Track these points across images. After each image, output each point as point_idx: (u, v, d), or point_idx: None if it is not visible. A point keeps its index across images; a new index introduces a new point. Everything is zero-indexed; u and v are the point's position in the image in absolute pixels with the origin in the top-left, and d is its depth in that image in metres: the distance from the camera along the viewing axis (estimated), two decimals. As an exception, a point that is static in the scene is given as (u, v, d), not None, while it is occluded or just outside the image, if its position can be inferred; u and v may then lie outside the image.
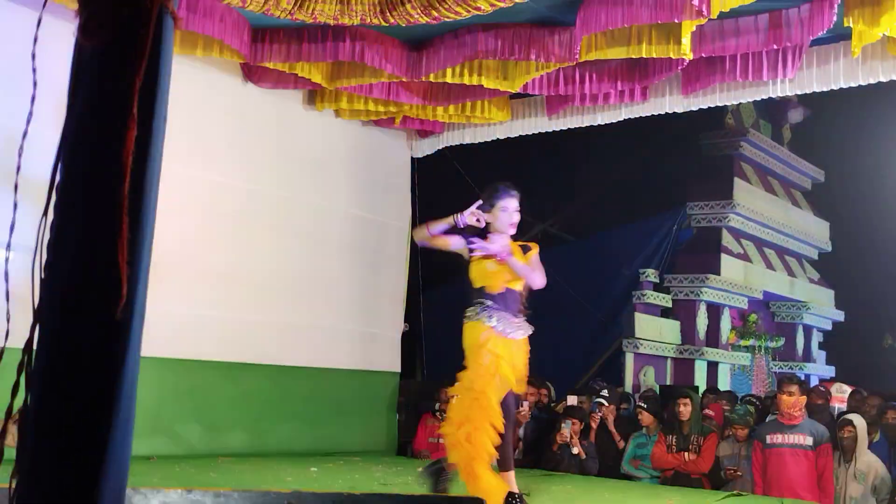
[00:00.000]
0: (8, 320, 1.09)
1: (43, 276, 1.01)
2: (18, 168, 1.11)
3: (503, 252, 4.62)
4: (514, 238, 4.83)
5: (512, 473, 4.64)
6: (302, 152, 8.10)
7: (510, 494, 4.54)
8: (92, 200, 1.01)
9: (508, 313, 4.60)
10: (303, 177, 8.09)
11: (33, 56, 1.14)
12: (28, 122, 1.10)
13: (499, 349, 4.51)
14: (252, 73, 7.44)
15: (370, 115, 8.23)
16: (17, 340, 1.07)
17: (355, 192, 8.60)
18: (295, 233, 7.95)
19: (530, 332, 4.73)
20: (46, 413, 0.96)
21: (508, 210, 4.71)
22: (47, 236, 1.02)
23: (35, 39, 1.15)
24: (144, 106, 1.05)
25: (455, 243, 4.73)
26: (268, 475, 5.89)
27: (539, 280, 4.74)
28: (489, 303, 4.58)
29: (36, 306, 1.02)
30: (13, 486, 0.97)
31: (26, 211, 1.20)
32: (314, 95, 8.02)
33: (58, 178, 1.02)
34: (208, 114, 7.23)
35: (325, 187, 8.29)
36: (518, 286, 4.70)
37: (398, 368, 8.97)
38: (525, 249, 4.77)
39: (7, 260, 1.08)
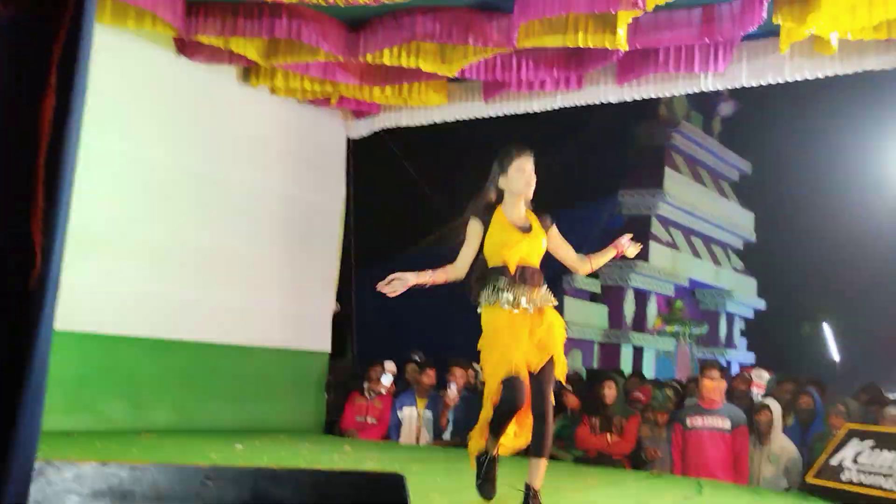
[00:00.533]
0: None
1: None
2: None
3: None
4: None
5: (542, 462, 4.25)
6: (235, 129, 8.01)
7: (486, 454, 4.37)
8: (6, 170, 1.00)
9: (527, 286, 4.17)
10: (236, 154, 8.00)
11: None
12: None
13: (520, 330, 4.13)
14: (185, 47, 7.30)
15: (306, 93, 8.17)
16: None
17: (289, 170, 8.54)
18: (226, 210, 7.87)
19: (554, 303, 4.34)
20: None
21: (524, 170, 4.29)
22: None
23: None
24: (63, 76, 1.04)
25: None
26: (191, 451, 5.85)
27: (580, 263, 4.56)
28: (507, 279, 4.15)
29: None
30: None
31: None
32: (249, 72, 7.92)
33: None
34: (140, 88, 7.10)
35: (258, 165, 8.21)
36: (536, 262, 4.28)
37: (328, 348, 8.97)
38: (544, 223, 4.35)
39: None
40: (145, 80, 7.17)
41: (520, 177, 4.27)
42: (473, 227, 4.29)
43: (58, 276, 1.04)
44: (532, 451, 4.26)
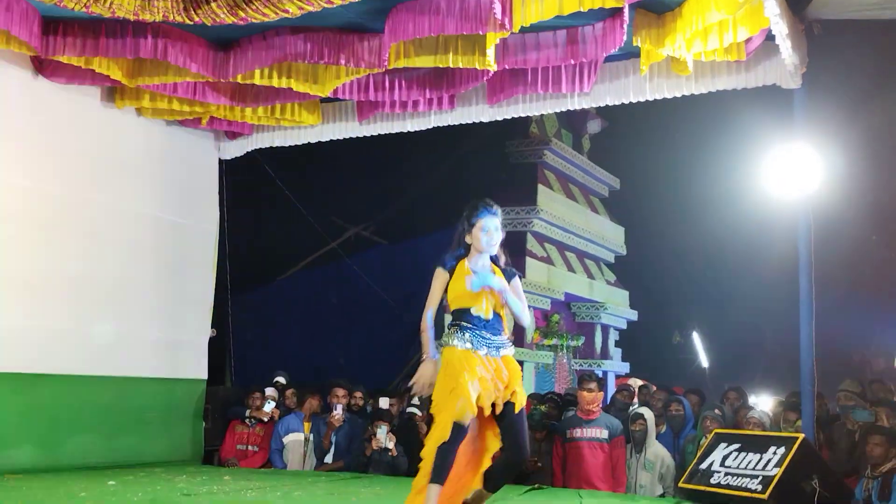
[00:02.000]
0: None
1: None
2: None
3: (503, 289, 4.39)
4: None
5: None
6: (101, 152, 7.71)
7: None
8: None
9: (489, 332, 4.38)
10: (103, 178, 7.70)
11: None
12: None
13: (479, 372, 4.28)
14: (44, 66, 7.00)
15: (175, 114, 7.96)
16: None
17: (159, 194, 8.28)
18: (93, 236, 7.55)
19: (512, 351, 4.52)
20: None
21: (488, 229, 4.45)
22: None
23: None
24: None
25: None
26: (60, 491, 5.57)
27: (528, 317, 4.62)
28: (468, 325, 4.36)
29: None
30: None
31: None
32: (114, 92, 7.66)
33: None
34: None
35: (127, 189, 7.93)
36: (501, 310, 4.48)
37: (205, 375, 8.70)
38: (509, 276, 4.52)
39: None
40: (4, 104, 6.83)
41: (481, 235, 4.45)
42: (439, 275, 4.50)
43: None
44: (491, 486, 4.39)
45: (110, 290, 7.65)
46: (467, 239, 4.52)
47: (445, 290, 4.47)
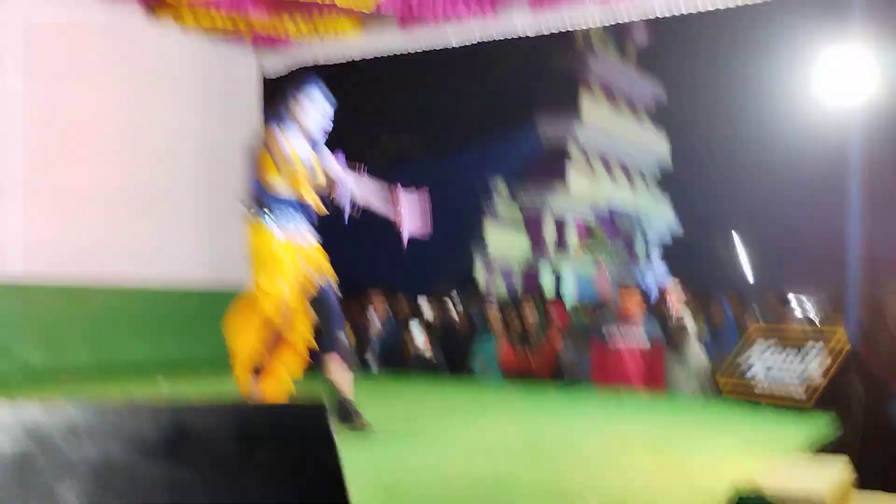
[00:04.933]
0: None
1: None
2: None
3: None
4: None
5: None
6: (145, 67, 7.77)
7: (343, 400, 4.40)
8: None
9: (307, 223, 4.38)
10: (147, 92, 7.78)
11: None
12: None
13: (296, 256, 4.31)
14: (85, -20, 7.03)
15: (217, 29, 7.95)
16: None
17: (203, 108, 8.34)
18: (139, 151, 7.67)
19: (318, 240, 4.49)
20: None
21: (318, 105, 4.36)
22: None
23: None
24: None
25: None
26: (113, 389, 5.81)
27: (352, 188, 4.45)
28: (288, 210, 4.30)
29: None
30: None
31: None
32: (155, 7, 7.66)
33: None
34: (42, 27, 6.81)
35: (171, 103, 8.00)
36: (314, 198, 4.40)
37: (251, 285, 8.88)
38: (319, 153, 4.42)
39: None
40: (47, 20, 6.89)
41: (314, 111, 4.34)
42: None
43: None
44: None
45: (157, 203, 7.79)
46: (296, 113, 4.32)
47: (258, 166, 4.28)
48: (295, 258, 4.28)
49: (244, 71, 8.84)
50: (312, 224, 4.39)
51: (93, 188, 7.25)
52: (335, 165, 4.34)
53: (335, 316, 4.34)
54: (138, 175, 7.64)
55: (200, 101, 8.35)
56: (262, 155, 4.27)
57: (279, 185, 4.25)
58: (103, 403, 1.62)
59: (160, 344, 7.78)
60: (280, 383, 4.46)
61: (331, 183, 4.33)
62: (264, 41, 8.41)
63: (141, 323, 7.62)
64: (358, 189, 4.37)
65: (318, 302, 4.33)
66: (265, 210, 4.26)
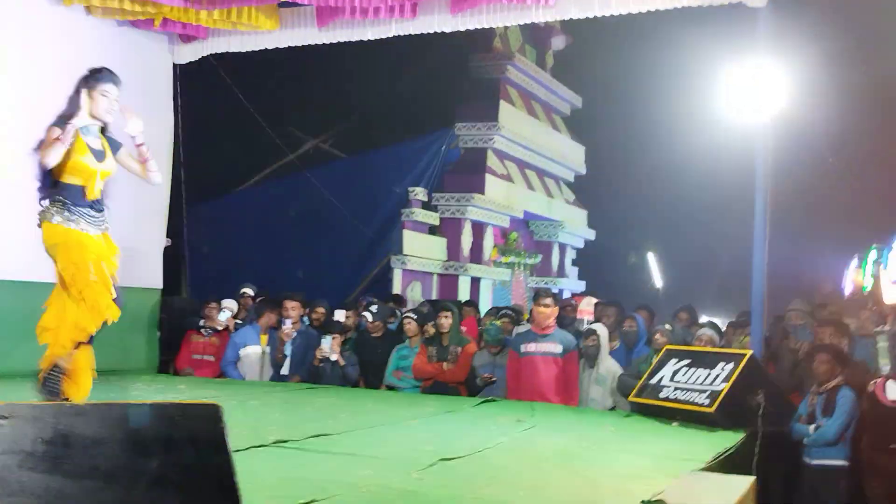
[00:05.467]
0: None
1: None
2: None
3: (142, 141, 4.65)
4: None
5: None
6: (49, 53, 7.41)
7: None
8: None
9: (95, 209, 4.54)
10: (51, 80, 7.39)
11: None
12: None
13: (91, 247, 4.50)
14: (-14, -41, 6.67)
15: (126, 14, 7.65)
16: None
17: (112, 97, 8.02)
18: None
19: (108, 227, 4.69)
20: None
21: (109, 96, 4.55)
22: None
23: None
24: None
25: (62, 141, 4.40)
26: (12, 398, 5.51)
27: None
28: (74, 202, 4.45)
29: None
30: None
31: None
32: (62, -9, 7.33)
33: None
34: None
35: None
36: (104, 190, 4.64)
37: (160, 284, 8.62)
38: (115, 147, 4.69)
39: None
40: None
41: (104, 102, 4.56)
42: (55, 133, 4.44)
43: None
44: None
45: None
46: (85, 102, 4.52)
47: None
48: (87, 241, 4.45)
49: (155, 58, 8.55)
50: (99, 210, 4.56)
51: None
52: (132, 157, 4.70)
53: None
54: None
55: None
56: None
57: (70, 175, 4.41)
58: None
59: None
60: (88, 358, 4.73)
61: (139, 163, 4.72)
62: (176, 28, 8.12)
63: (34, 319, 7.25)
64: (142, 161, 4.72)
65: None
66: (56, 200, 4.41)
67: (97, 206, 4.49)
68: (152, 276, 8.52)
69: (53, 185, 4.41)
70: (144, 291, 8.41)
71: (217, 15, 7.59)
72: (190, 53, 8.67)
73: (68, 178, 4.40)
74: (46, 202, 4.40)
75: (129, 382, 6.90)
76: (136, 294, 8.31)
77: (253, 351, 7.75)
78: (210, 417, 1.68)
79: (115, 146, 4.61)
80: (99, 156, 4.47)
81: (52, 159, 4.31)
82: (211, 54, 8.72)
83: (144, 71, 8.41)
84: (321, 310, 8.18)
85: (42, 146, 4.36)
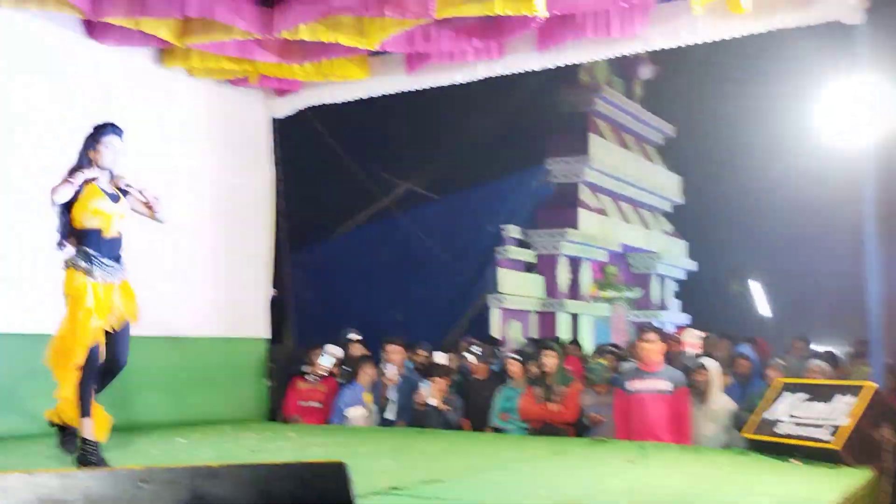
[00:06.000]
0: None
1: None
2: None
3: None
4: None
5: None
6: (153, 113, 7.73)
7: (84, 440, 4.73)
8: None
9: (111, 258, 4.77)
10: (156, 139, 7.73)
11: None
12: None
13: (98, 300, 4.67)
14: (94, 29, 7.01)
15: (224, 73, 7.94)
16: None
17: (213, 153, 8.31)
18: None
19: (127, 275, 4.91)
20: None
21: (113, 147, 4.84)
22: None
23: None
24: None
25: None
26: (131, 450, 5.68)
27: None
28: (92, 251, 4.70)
29: None
30: None
31: None
32: (163, 53, 7.66)
33: None
34: (47, 73, 6.79)
35: (181, 149, 7.96)
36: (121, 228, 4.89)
37: (267, 334, 8.80)
38: (124, 193, 4.91)
39: None
40: (54, 66, 6.87)
41: (108, 153, 4.84)
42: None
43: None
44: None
45: (170, 251, 7.72)
46: (91, 155, 4.82)
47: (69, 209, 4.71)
48: (102, 295, 4.68)
49: (253, 113, 8.83)
50: (117, 259, 4.81)
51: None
52: (139, 200, 4.94)
53: (120, 357, 4.83)
54: (151, 223, 7.55)
55: (213, 146, 8.31)
56: (77, 206, 4.71)
57: (88, 220, 4.71)
58: (119, 473, 1.54)
59: (180, 396, 7.65)
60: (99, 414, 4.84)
61: (147, 206, 4.98)
62: (271, 83, 8.38)
63: (159, 374, 7.50)
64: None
65: (111, 340, 4.74)
66: (80, 249, 4.69)
67: (114, 252, 4.78)
68: (260, 327, 8.71)
69: (74, 232, 4.74)
70: (253, 342, 8.61)
71: (310, 68, 7.80)
72: (286, 106, 8.93)
73: (87, 223, 4.72)
74: (73, 251, 4.72)
75: (240, 431, 7.03)
76: (245, 344, 8.53)
77: (357, 413, 7.65)
78: (337, 476, 1.68)
79: (123, 192, 4.94)
80: (113, 198, 4.81)
81: (61, 196, 4.65)
82: (306, 106, 8.98)
83: (244, 126, 8.70)
84: (423, 352, 8.20)
85: (52, 190, 4.69)
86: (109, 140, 4.83)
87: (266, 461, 1.86)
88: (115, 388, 7.03)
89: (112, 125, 4.90)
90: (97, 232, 4.73)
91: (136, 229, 7.26)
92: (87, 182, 4.72)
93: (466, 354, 7.74)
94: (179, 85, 7.95)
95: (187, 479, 1.55)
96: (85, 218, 4.72)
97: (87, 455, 4.67)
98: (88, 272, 4.67)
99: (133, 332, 7.21)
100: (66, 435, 4.87)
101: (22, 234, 6.42)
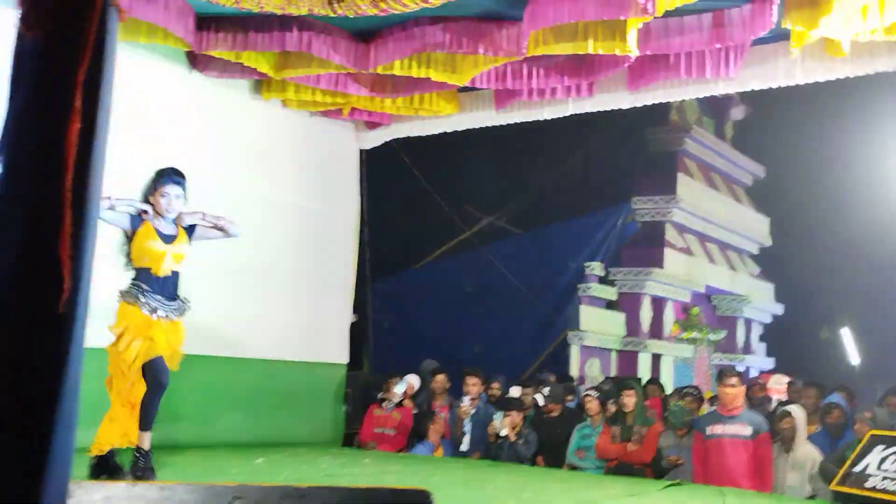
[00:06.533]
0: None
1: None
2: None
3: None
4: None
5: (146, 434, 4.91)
6: (249, 142, 8.02)
7: (137, 448, 4.89)
8: (34, 195, 1.00)
9: (165, 296, 4.91)
10: (249, 167, 8.00)
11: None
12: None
13: (156, 335, 4.83)
14: (197, 61, 7.34)
15: (318, 105, 8.18)
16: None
17: (302, 182, 8.55)
18: (241, 224, 7.83)
19: (186, 313, 5.07)
20: (-12, 407, 0.95)
21: (168, 196, 4.96)
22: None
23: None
24: (88, 99, 1.04)
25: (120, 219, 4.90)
26: (212, 467, 5.84)
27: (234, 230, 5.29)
28: (147, 287, 4.86)
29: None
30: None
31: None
32: (261, 85, 7.95)
33: (-1, 171, 1.01)
34: (153, 103, 7.11)
35: (271, 178, 8.22)
36: (179, 267, 5.03)
37: (346, 359, 8.95)
38: (190, 230, 5.10)
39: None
40: (158, 96, 7.19)
41: (163, 201, 4.98)
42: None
43: (87, 298, 1.03)
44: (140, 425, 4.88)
45: (256, 276, 7.94)
46: (151, 200, 4.97)
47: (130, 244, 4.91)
48: (150, 329, 4.82)
49: (343, 144, 9.06)
50: (171, 297, 4.96)
51: (193, 261, 7.40)
52: (206, 226, 5.18)
53: (156, 392, 4.85)
54: (240, 248, 7.79)
55: (304, 175, 8.55)
56: (132, 241, 4.93)
57: (140, 259, 4.89)
58: (214, 488, 1.61)
59: (259, 417, 7.84)
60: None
61: (216, 228, 5.22)
62: (362, 115, 8.59)
63: (240, 394, 7.70)
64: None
65: (150, 373, 4.80)
66: (133, 283, 4.87)
67: (166, 291, 4.93)
68: (339, 352, 8.86)
69: (132, 269, 4.94)
70: (331, 366, 8.76)
71: (401, 102, 7.97)
72: (375, 139, 9.13)
73: (139, 263, 4.90)
74: (127, 284, 4.90)
75: (316, 455, 7.14)
76: (323, 368, 8.68)
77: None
78: (421, 502, 1.73)
79: (190, 231, 5.11)
80: (167, 239, 4.96)
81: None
82: (393, 139, 9.17)
83: (333, 156, 8.93)
84: (497, 385, 8.21)
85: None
86: (168, 189, 4.99)
87: (349, 485, 1.92)
88: (195, 406, 7.32)
89: (171, 174, 5.05)
90: (147, 270, 4.90)
91: (224, 256, 7.58)
92: (142, 219, 4.93)
93: (537, 396, 7.72)
94: (274, 115, 8.22)
95: (277, 498, 1.62)
96: (137, 257, 4.91)
97: (136, 464, 4.84)
98: (137, 303, 4.84)
99: (216, 352, 7.51)
100: (109, 466, 4.92)
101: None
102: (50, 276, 0.97)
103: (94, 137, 1.04)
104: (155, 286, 4.89)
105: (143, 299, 4.84)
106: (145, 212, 4.92)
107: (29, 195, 1.00)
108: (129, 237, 4.92)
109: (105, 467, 4.86)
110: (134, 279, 4.91)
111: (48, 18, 1.01)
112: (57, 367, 0.98)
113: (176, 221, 5.06)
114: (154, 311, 4.85)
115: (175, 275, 5.00)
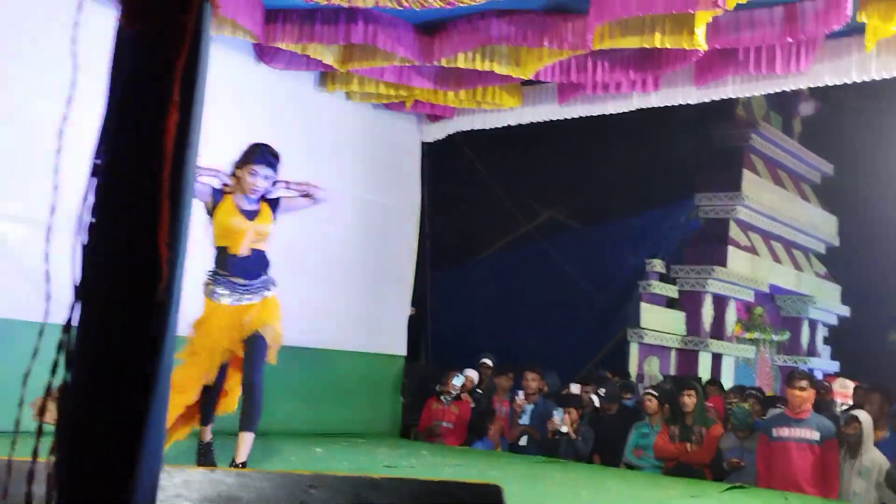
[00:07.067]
0: (48, 300, 1.11)
1: (84, 257, 1.03)
2: (58, 150, 1.12)
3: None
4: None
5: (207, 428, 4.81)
6: (312, 134, 8.11)
7: (201, 443, 4.78)
8: (133, 185, 1.03)
9: (245, 277, 4.56)
10: (312, 158, 8.07)
11: (73, 40, 1.15)
12: (67, 105, 1.12)
13: (223, 323, 4.53)
14: (264, 53, 7.44)
15: (381, 98, 8.24)
16: (56, 319, 1.08)
17: (365, 174, 8.62)
18: (302, 214, 7.91)
19: (273, 291, 4.72)
20: (86, 391, 0.98)
21: (257, 175, 4.60)
22: (87, 219, 1.04)
23: (75, 23, 1.16)
24: (185, 91, 1.06)
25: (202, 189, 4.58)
26: (273, 455, 5.93)
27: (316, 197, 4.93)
28: (221, 270, 4.57)
29: (76, 286, 1.04)
30: (52, 462, 1.00)
31: (67, 194, 1.22)
32: (326, 77, 8.02)
33: (99, 162, 1.04)
34: (219, 93, 7.21)
35: (334, 169, 8.29)
36: (264, 245, 4.67)
37: (404, 352, 9.00)
38: (273, 203, 4.75)
39: (48, 241, 1.10)
40: (225, 86, 7.30)
41: (249, 179, 4.62)
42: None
43: (180, 286, 1.06)
44: (240, 425, 4.67)
45: (318, 266, 8.03)
46: (238, 173, 4.60)
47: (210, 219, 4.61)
48: (228, 316, 4.53)
49: (406, 137, 9.10)
50: (255, 276, 4.61)
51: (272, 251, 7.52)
52: (292, 196, 4.86)
53: (257, 371, 4.65)
54: (301, 238, 7.90)
55: (367, 167, 8.62)
56: (213, 217, 4.63)
57: (220, 239, 4.59)
58: (291, 476, 1.65)
59: (318, 406, 7.93)
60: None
61: (304, 196, 4.89)
62: (425, 108, 8.62)
63: (298, 383, 7.80)
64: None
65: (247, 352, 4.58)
66: (210, 273, 4.59)
67: (248, 271, 4.59)
68: (397, 343, 8.92)
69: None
70: (389, 358, 8.82)
71: (464, 95, 7.97)
72: (437, 132, 9.16)
73: (219, 242, 4.61)
74: (207, 276, 4.61)
75: (374, 446, 7.20)
76: (382, 360, 8.75)
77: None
78: (493, 499, 1.73)
79: (274, 204, 4.76)
80: (249, 215, 4.62)
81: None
82: (456, 132, 9.18)
83: (396, 149, 8.98)
84: (552, 381, 8.19)
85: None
86: (258, 169, 4.61)
87: (420, 477, 1.94)
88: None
89: (266, 153, 4.68)
90: (224, 250, 4.56)
91: (287, 246, 7.68)
92: (223, 193, 4.61)
93: (592, 396, 7.67)
94: (338, 108, 8.29)
95: (351, 488, 1.64)
96: (217, 235, 4.58)
97: (199, 455, 4.79)
98: (211, 294, 4.55)
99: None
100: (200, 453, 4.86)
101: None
102: (149, 265, 1.00)
103: (191, 129, 1.07)
104: (232, 268, 4.53)
105: (219, 285, 4.54)
106: (227, 185, 4.60)
107: (129, 186, 1.02)
108: (210, 212, 4.61)
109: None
110: (213, 267, 4.61)
111: (148, 12, 1.03)
112: (154, 353, 1.00)
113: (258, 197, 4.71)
114: (236, 297, 4.56)
115: (258, 253, 4.62)
